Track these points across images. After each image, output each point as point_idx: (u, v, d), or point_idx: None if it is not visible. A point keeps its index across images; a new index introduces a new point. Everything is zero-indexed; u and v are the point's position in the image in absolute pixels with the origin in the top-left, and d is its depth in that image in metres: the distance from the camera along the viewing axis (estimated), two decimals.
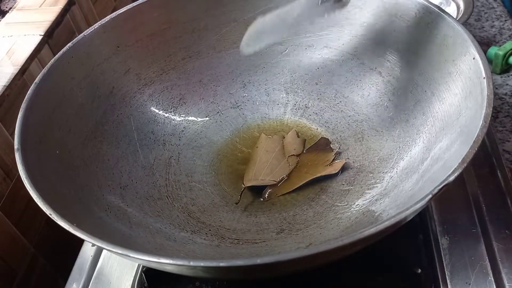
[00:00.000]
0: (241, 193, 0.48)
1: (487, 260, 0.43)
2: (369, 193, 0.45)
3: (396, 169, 0.46)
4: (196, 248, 0.43)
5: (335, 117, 0.54)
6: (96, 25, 0.49)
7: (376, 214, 0.42)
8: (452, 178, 0.32)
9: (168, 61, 0.54)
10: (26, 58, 0.56)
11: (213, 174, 0.51)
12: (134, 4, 0.51)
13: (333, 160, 0.50)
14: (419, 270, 0.43)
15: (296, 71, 0.56)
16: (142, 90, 0.53)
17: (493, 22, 0.75)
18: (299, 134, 0.54)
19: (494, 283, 0.41)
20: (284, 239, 0.44)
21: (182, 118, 0.55)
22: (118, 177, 0.47)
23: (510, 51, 0.64)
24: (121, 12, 0.50)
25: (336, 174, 0.49)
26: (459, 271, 0.43)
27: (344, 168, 0.49)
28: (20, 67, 0.55)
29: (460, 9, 0.64)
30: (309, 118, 0.55)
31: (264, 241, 0.44)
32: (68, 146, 0.44)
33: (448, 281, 0.42)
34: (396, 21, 0.49)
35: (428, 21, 0.46)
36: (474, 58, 0.40)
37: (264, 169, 0.50)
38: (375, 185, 0.46)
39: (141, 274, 0.46)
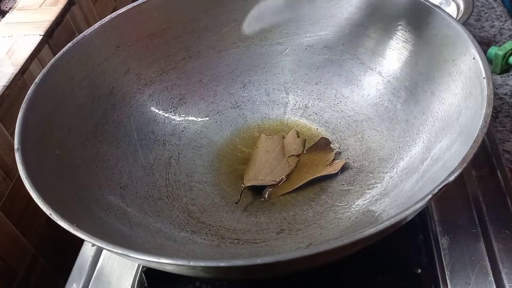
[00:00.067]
0: (241, 193, 0.48)
1: (487, 260, 0.43)
2: (369, 193, 0.45)
3: (396, 169, 0.46)
4: (196, 248, 0.43)
5: (335, 117, 0.54)
6: (96, 25, 0.49)
7: (376, 214, 0.42)
8: (452, 178, 0.32)
9: (168, 61, 0.54)
10: (26, 58, 0.56)
11: (213, 174, 0.51)
12: (134, 4, 0.51)
13: (333, 160, 0.50)
14: (419, 270, 0.43)
15: (296, 71, 0.56)
16: (142, 90, 0.53)
17: (493, 22, 0.75)
18: (299, 134, 0.54)
19: (494, 283, 0.41)
20: (284, 239, 0.44)
21: (182, 118, 0.55)
22: (118, 177, 0.47)
23: (510, 51, 0.64)
24: (121, 12, 0.50)
25: (336, 174, 0.49)
26: (459, 271, 0.43)
27: (344, 168, 0.49)
28: (20, 67, 0.55)
29: (460, 9, 0.64)
30: (309, 118, 0.55)
31: (264, 241, 0.44)
32: (68, 146, 0.44)
33: (448, 281, 0.42)
34: (397, 21, 0.49)
35: (428, 21, 0.46)
36: (474, 58, 0.40)
37: (264, 169, 0.50)
38: (375, 185, 0.46)
39: (141, 274, 0.46)
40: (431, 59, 0.46)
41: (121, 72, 0.51)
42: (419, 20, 0.47)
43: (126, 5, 0.51)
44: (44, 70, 0.44)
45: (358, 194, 0.46)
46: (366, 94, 0.52)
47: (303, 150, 0.52)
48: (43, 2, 0.65)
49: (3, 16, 0.65)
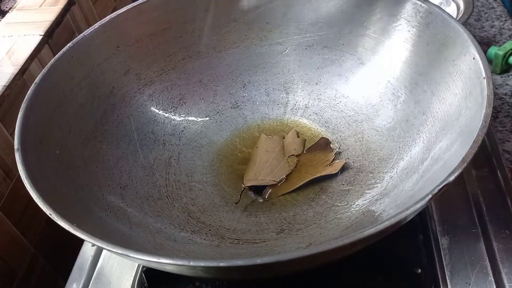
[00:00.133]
0: (241, 193, 0.48)
1: (487, 260, 0.43)
2: (369, 193, 0.45)
3: (396, 169, 0.46)
4: (196, 248, 0.43)
5: (335, 117, 0.54)
6: (96, 25, 0.49)
7: (376, 214, 0.42)
8: (452, 178, 0.32)
9: (168, 61, 0.54)
10: (26, 58, 0.56)
11: (213, 174, 0.51)
12: (134, 4, 0.51)
13: (333, 160, 0.50)
14: (419, 270, 0.43)
15: (296, 71, 0.56)
16: (142, 90, 0.53)
17: (493, 22, 0.75)
18: (299, 134, 0.54)
19: (494, 283, 0.41)
20: (284, 239, 0.44)
21: (182, 118, 0.55)
22: (118, 177, 0.47)
23: (510, 51, 0.64)
24: (121, 12, 0.50)
25: (336, 174, 0.49)
26: (459, 271, 0.43)
27: (344, 168, 0.49)
28: (20, 67, 0.55)
29: (460, 9, 0.64)
30: (309, 118, 0.55)
31: (264, 241, 0.44)
32: (68, 146, 0.44)
33: (448, 281, 0.42)
34: (396, 21, 0.49)
35: (428, 21, 0.46)
36: (474, 58, 0.40)
37: (264, 169, 0.50)
38: (375, 185, 0.46)
39: (141, 274, 0.46)
40: (431, 59, 0.46)
41: (121, 72, 0.51)
42: (419, 20, 0.47)
43: (126, 5, 0.51)
44: (44, 70, 0.44)
45: (358, 194, 0.46)
46: (366, 94, 0.52)
47: (303, 150, 0.52)
48: (43, 2, 0.65)
49: (3, 16, 0.65)
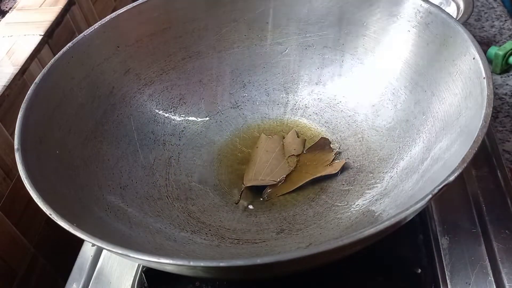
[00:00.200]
0: (241, 193, 0.48)
1: (487, 260, 0.43)
2: (369, 193, 0.45)
3: (396, 169, 0.46)
4: (196, 248, 0.43)
5: (335, 117, 0.54)
6: (96, 25, 0.49)
7: (376, 214, 0.42)
8: (452, 178, 0.32)
9: (168, 61, 0.54)
10: (26, 58, 0.56)
11: (213, 174, 0.51)
12: (134, 4, 0.51)
13: (333, 160, 0.50)
14: (419, 270, 0.43)
15: (296, 71, 0.56)
16: (142, 90, 0.53)
17: (493, 22, 0.75)
18: (299, 134, 0.54)
19: (494, 283, 0.41)
20: (284, 239, 0.44)
21: (182, 118, 0.55)
22: (118, 177, 0.47)
23: (510, 51, 0.64)
24: (121, 12, 0.50)
25: (336, 174, 0.49)
26: (459, 271, 0.43)
27: (344, 168, 0.49)
28: (20, 67, 0.55)
29: (460, 9, 0.64)
30: (309, 118, 0.55)
31: (264, 241, 0.44)
32: (68, 146, 0.44)
33: (448, 281, 0.42)
34: (396, 21, 0.49)
35: (428, 21, 0.46)
36: (474, 58, 0.40)
37: (264, 169, 0.50)
38: (375, 185, 0.46)
39: (141, 274, 0.46)
40: (431, 59, 0.46)
41: (121, 72, 0.51)
42: (419, 20, 0.47)
43: (126, 5, 0.51)
44: (44, 70, 0.44)
45: (358, 194, 0.46)
46: (366, 94, 0.52)
47: (303, 150, 0.52)
48: (43, 2, 0.65)
49: (3, 16, 0.65)
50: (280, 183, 0.49)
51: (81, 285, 0.47)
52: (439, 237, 0.45)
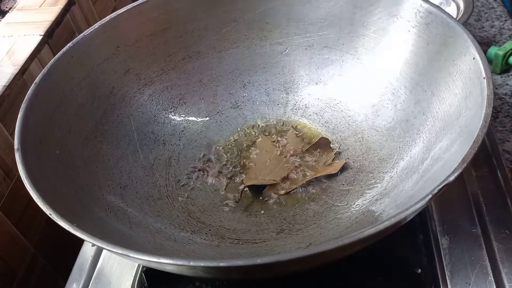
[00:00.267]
0: (241, 193, 0.48)
1: (487, 260, 0.43)
2: (369, 193, 0.45)
3: (396, 169, 0.46)
4: (196, 248, 0.43)
5: (335, 117, 0.54)
6: (96, 25, 0.49)
7: (376, 214, 0.42)
8: (452, 178, 0.32)
9: (168, 61, 0.54)
10: (26, 58, 0.56)
11: None
12: (134, 4, 0.51)
13: (333, 160, 0.50)
14: (419, 270, 0.43)
15: (296, 71, 0.56)
16: (142, 90, 0.53)
17: (493, 22, 0.75)
18: (299, 134, 0.54)
19: (494, 283, 0.41)
20: (284, 239, 0.44)
21: (182, 118, 0.55)
22: (118, 177, 0.47)
23: (510, 51, 0.64)
24: (121, 12, 0.50)
25: (336, 174, 0.49)
26: (459, 271, 0.43)
27: (344, 168, 0.49)
28: (20, 67, 0.55)
29: (460, 9, 0.64)
30: (309, 118, 0.55)
31: (264, 241, 0.44)
32: (68, 146, 0.44)
33: (448, 281, 0.42)
34: (396, 21, 0.49)
35: (428, 21, 0.46)
36: (474, 58, 0.40)
37: (264, 169, 0.50)
38: (375, 185, 0.46)
39: (141, 274, 0.46)
40: (431, 59, 0.46)
41: (121, 72, 0.51)
42: (419, 20, 0.47)
43: (126, 5, 0.51)
44: (44, 70, 0.44)
45: (358, 194, 0.46)
46: (366, 94, 0.52)
47: (302, 150, 0.52)
48: (43, 2, 0.65)
49: (3, 16, 0.65)
50: (280, 183, 0.49)
51: (81, 285, 0.47)
52: (439, 237, 0.45)
